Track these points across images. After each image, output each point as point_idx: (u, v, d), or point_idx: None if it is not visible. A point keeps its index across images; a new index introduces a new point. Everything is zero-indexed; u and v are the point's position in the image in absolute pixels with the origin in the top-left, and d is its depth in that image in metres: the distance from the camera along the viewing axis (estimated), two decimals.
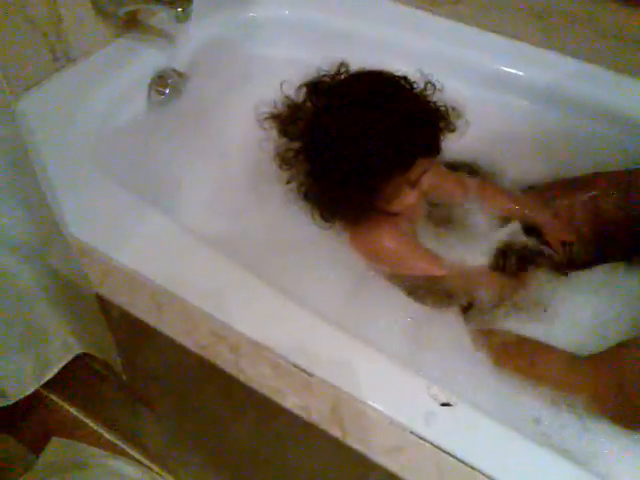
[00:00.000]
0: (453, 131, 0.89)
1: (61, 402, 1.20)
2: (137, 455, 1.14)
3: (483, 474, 0.63)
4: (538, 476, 0.63)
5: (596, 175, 1.00)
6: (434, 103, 0.88)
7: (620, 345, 0.74)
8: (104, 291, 0.77)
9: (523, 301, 0.90)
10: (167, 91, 1.06)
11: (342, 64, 0.91)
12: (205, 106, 1.09)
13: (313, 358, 0.71)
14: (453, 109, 0.89)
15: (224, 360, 0.72)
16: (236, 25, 1.13)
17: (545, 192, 1.04)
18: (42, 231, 0.74)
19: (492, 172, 1.08)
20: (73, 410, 1.18)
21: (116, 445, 1.15)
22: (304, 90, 0.92)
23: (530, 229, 1.00)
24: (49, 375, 0.89)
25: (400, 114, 0.82)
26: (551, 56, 1.08)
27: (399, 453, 0.65)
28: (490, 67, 1.10)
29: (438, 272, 0.91)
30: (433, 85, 0.88)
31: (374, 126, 0.82)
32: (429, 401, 0.67)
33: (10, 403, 0.85)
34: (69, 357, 0.90)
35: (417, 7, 1.14)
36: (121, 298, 0.77)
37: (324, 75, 0.91)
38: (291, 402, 0.69)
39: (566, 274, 0.94)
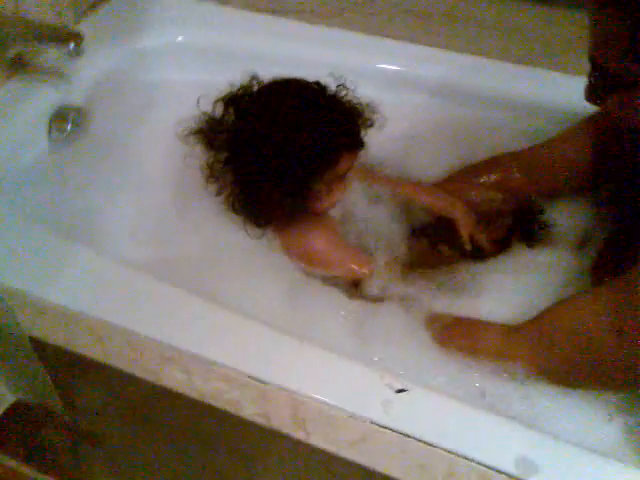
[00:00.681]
0: (372, 126, 0.93)
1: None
2: None
3: (444, 450, 0.66)
4: (494, 442, 0.67)
5: (497, 157, 1.06)
6: (349, 102, 0.92)
7: (547, 310, 0.79)
8: (38, 333, 0.75)
9: (448, 282, 0.95)
10: (68, 127, 1.03)
11: (253, 77, 0.94)
12: (112, 138, 1.07)
13: (265, 366, 0.72)
14: (367, 105, 0.93)
15: (176, 381, 0.71)
16: (130, 56, 1.11)
17: (452, 182, 1.10)
18: None
19: (402, 168, 1.13)
20: (11, 463, 1.11)
21: None
22: (220, 105, 0.93)
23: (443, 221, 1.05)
24: None
25: (320, 114, 0.87)
26: (440, 54, 1.14)
27: (364, 444, 0.67)
28: (387, 69, 1.15)
29: (367, 271, 0.95)
30: (345, 86, 0.92)
31: (297, 127, 0.85)
32: (384, 390, 0.70)
33: None
34: (3, 407, 0.87)
35: (309, 22, 1.18)
36: (58, 337, 0.75)
37: (238, 89, 0.93)
38: (250, 411, 0.69)
39: (482, 259, 1.00)
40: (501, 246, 1.02)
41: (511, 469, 0.64)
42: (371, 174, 1.07)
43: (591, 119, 0.96)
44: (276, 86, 0.91)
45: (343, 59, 1.14)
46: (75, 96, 1.04)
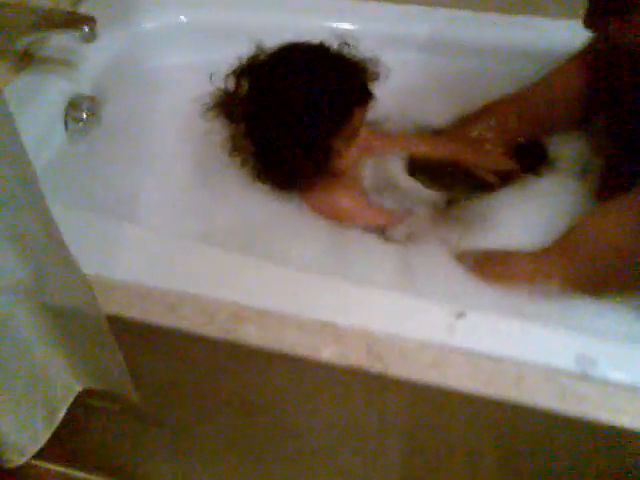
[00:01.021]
0: (377, 78, 0.98)
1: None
2: None
3: (510, 360, 0.72)
4: (553, 347, 0.74)
5: (494, 102, 1.13)
6: (353, 58, 0.97)
7: (571, 228, 0.87)
8: (114, 310, 0.78)
9: (466, 220, 1.02)
10: (84, 116, 1.06)
11: (258, 47, 0.97)
12: (127, 123, 1.10)
13: (332, 309, 0.77)
14: (370, 60, 0.98)
15: (251, 337, 0.76)
16: (133, 39, 1.14)
17: (452, 130, 1.17)
18: (38, 266, 0.73)
19: (402, 122, 1.19)
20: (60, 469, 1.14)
21: None
22: (232, 78, 0.97)
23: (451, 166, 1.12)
24: (58, 420, 0.86)
25: (329, 72, 0.92)
26: (426, 10, 1.20)
27: (437, 367, 0.73)
28: (376, 30, 1.20)
29: (387, 221, 1.01)
30: (347, 44, 0.97)
31: (310, 87, 0.91)
32: (445, 317, 0.76)
33: (27, 460, 0.83)
34: (71, 397, 0.89)
35: None
36: (132, 311, 0.78)
37: (247, 59, 0.97)
38: (329, 353, 0.75)
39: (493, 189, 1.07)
40: (507, 176, 1.09)
41: (572, 367, 0.71)
42: (378, 138, 1.12)
43: (579, 55, 1.03)
44: (283, 51, 0.95)
45: (335, 24, 1.19)
46: (85, 85, 1.07)
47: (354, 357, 0.74)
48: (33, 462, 1.11)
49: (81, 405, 0.89)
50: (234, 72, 0.97)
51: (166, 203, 1.00)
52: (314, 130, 0.91)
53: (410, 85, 1.19)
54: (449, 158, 1.11)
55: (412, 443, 0.82)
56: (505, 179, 1.08)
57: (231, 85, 0.97)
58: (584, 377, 0.70)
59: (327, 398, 0.80)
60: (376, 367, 0.73)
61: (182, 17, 1.18)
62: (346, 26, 1.20)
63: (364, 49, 1.00)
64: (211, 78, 0.98)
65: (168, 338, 0.80)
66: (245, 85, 0.96)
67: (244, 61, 0.97)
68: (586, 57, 1.02)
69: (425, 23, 1.20)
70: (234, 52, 0.97)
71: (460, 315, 0.76)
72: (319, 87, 0.91)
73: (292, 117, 0.91)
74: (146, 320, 0.78)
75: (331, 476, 0.93)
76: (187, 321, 0.77)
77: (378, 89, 1.09)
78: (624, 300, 0.84)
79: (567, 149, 1.09)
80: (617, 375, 0.70)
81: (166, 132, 1.09)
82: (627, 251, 0.81)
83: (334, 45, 0.97)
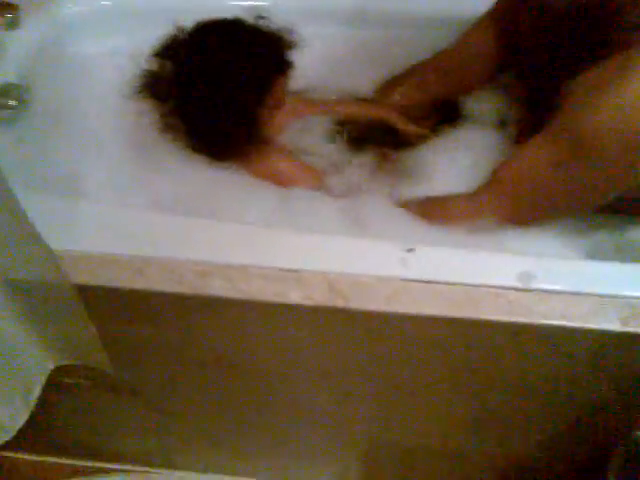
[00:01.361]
0: (294, 47, 1.02)
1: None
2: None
3: (461, 284, 0.80)
4: (496, 269, 0.82)
5: (413, 67, 1.21)
6: (269, 29, 1.01)
7: (497, 168, 0.96)
8: (81, 279, 0.79)
9: (400, 174, 1.09)
10: (13, 104, 1.05)
11: (178, 27, 1.00)
12: (59, 108, 1.09)
13: (291, 258, 0.82)
14: (285, 29, 1.02)
15: (221, 289, 0.79)
16: (58, 25, 1.14)
17: (376, 95, 1.24)
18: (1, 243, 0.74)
19: (328, 91, 1.25)
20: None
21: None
22: (156, 59, 0.99)
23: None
24: (34, 398, 0.87)
25: (247, 44, 0.97)
26: None
27: (396, 297, 0.79)
28: (294, 5, 1.25)
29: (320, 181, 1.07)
30: (262, 17, 1.01)
31: (230, 60, 0.95)
32: (397, 252, 0.82)
33: (11, 437, 0.83)
34: (45, 375, 0.89)
35: None
36: (100, 278, 0.80)
37: (167, 39, 0.99)
38: (294, 297, 0.79)
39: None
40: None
41: (516, 283, 0.79)
42: (303, 104, 1.18)
43: (488, 15, 1.12)
44: (200, 29, 0.99)
45: (254, 2, 1.23)
46: (11, 72, 1.06)
47: (318, 297, 0.79)
48: (6, 454, 1.11)
49: (53, 384, 0.90)
50: (156, 53, 1.00)
51: (107, 181, 1.02)
52: (239, 101, 0.96)
53: (334, 56, 1.26)
54: (372, 118, 1.17)
55: (380, 373, 0.88)
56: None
57: (155, 66, 1.00)
58: (527, 290, 0.79)
59: (297, 341, 0.85)
60: (339, 303, 0.79)
61: (105, 1, 1.19)
62: (265, 3, 1.24)
63: (283, 22, 1.04)
64: (136, 61, 1.00)
65: (138, 302, 0.82)
66: (168, 65, 0.99)
67: (165, 42, 1.00)
68: (494, 15, 1.12)
69: None
70: (157, 33, 1.00)
71: (410, 250, 0.83)
72: (239, 59, 0.95)
73: (216, 90, 0.95)
74: (115, 285, 0.80)
75: (310, 419, 0.98)
76: (156, 282, 0.80)
77: (302, 61, 1.17)
78: (551, 226, 0.94)
79: (486, 103, 1.17)
80: (554, 285, 0.79)
81: (98, 113, 1.10)
82: (545, 183, 0.89)
83: (249, 19, 1.01)
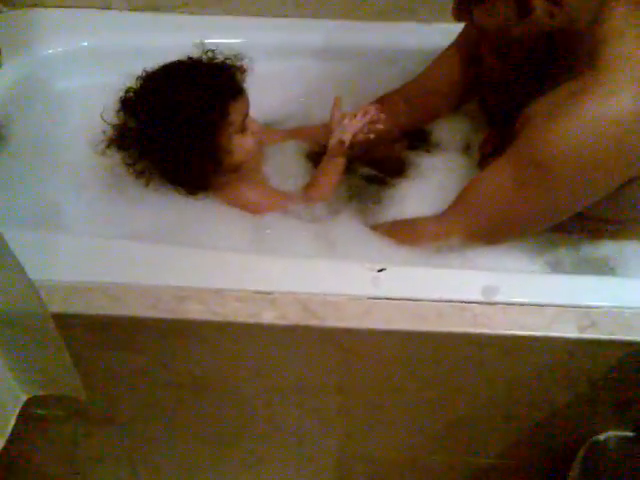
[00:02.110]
0: (244, 71, 1.05)
1: None
2: None
3: (430, 300, 0.83)
4: (462, 285, 0.86)
5: (383, 98, 1.26)
6: (215, 59, 1.05)
7: (464, 189, 1.00)
8: (57, 308, 0.81)
9: (373, 198, 1.14)
10: None
11: (138, 77, 1.04)
12: (37, 143, 1.13)
13: (265, 280, 0.85)
14: (234, 56, 1.06)
15: (197, 312, 0.82)
16: (38, 65, 1.19)
17: None
18: None
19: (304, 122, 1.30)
20: None
21: None
22: (121, 112, 1.04)
23: None
24: (8, 431, 0.87)
25: (196, 78, 1.01)
26: (313, 22, 1.32)
27: (368, 315, 0.82)
28: (270, 43, 1.31)
29: (292, 204, 1.09)
30: (211, 50, 1.06)
31: (181, 98, 0.98)
32: (369, 273, 0.86)
33: None
34: (18, 407, 0.89)
35: (192, 13, 1.31)
36: (76, 307, 0.82)
37: (127, 91, 1.04)
38: (268, 317, 0.82)
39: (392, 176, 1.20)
40: (402, 166, 1.22)
41: (480, 297, 0.83)
42: (274, 132, 1.23)
43: (453, 46, 1.18)
44: (152, 77, 1.04)
45: (229, 41, 1.28)
46: None
47: (292, 316, 0.82)
48: None
49: (25, 416, 0.91)
50: (121, 103, 1.04)
51: (86, 214, 1.05)
52: (197, 134, 0.99)
53: (308, 89, 1.31)
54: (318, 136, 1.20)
55: (353, 387, 0.90)
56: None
57: (119, 118, 1.05)
58: (491, 303, 0.82)
59: (272, 360, 0.87)
60: (312, 322, 0.82)
61: (84, 42, 1.24)
62: (239, 40, 1.29)
63: (264, 65, 1.10)
64: (101, 116, 1.05)
65: (115, 328, 0.84)
66: (128, 116, 1.03)
67: (122, 95, 1.04)
68: (458, 47, 1.17)
69: (315, 33, 1.31)
70: (133, 70, 1.04)
71: (381, 270, 0.86)
72: (189, 95, 0.98)
73: (174, 131, 0.98)
74: (91, 312, 0.82)
75: (285, 436, 1.00)
76: (132, 308, 0.82)
77: (275, 93, 1.21)
78: (515, 243, 0.98)
79: (452, 129, 1.23)
80: (516, 298, 0.83)
81: (77, 148, 1.12)
82: (508, 202, 0.93)
83: (198, 55, 1.05)
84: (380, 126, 1.13)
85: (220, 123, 1.00)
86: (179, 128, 0.98)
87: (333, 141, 1.10)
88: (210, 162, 1.02)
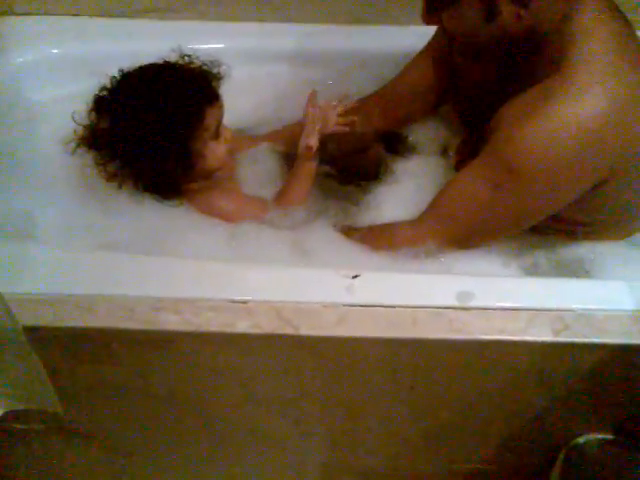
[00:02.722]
0: (221, 78, 1.05)
1: None
2: None
3: (404, 306, 0.83)
4: (436, 290, 0.86)
5: (359, 101, 1.25)
6: (192, 65, 1.05)
7: (438, 194, 1.00)
8: (29, 321, 0.80)
9: (350, 204, 1.13)
10: None
11: (112, 77, 1.04)
12: (9, 153, 1.11)
13: (240, 289, 0.85)
14: (211, 62, 1.05)
15: (171, 323, 0.81)
16: (7, 74, 1.17)
17: None
18: None
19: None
20: None
21: None
22: (93, 112, 1.03)
23: None
24: None
25: (172, 83, 1.00)
26: (289, 27, 1.31)
27: (343, 322, 0.82)
28: (244, 48, 1.30)
29: (266, 211, 1.08)
30: (187, 55, 1.05)
31: (156, 102, 0.98)
32: (343, 280, 0.85)
33: None
34: None
35: (163, 19, 1.30)
36: (48, 319, 0.81)
37: (100, 91, 1.03)
38: (242, 326, 0.81)
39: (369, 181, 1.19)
40: (378, 170, 1.22)
41: (455, 302, 0.83)
42: (247, 139, 1.22)
43: (425, 50, 1.18)
44: (128, 77, 1.03)
45: (201, 46, 1.27)
46: None
47: (266, 325, 0.81)
48: None
49: (8, 431, 0.90)
50: (92, 108, 1.03)
51: (59, 224, 1.03)
52: (171, 137, 0.98)
53: (281, 94, 1.30)
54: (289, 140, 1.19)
55: (331, 395, 0.89)
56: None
57: (91, 119, 1.03)
58: (466, 309, 0.82)
59: (248, 370, 0.87)
60: (287, 330, 0.81)
61: (54, 50, 1.23)
62: (216, 46, 1.28)
63: (239, 70, 1.09)
64: (73, 118, 1.03)
65: (89, 340, 0.83)
66: (101, 116, 1.02)
67: (95, 95, 1.03)
68: (430, 51, 1.17)
69: (288, 38, 1.30)
70: (105, 79, 1.03)
71: (355, 276, 0.86)
72: (165, 98, 0.98)
73: (147, 134, 0.97)
74: (64, 325, 0.81)
75: (265, 446, 0.99)
76: (106, 320, 0.81)
77: (250, 98, 1.20)
78: (489, 248, 0.98)
79: (428, 133, 1.23)
80: (491, 302, 0.83)
81: (49, 158, 1.11)
82: (483, 205, 0.93)
83: (175, 58, 1.04)
84: (354, 118, 1.13)
85: (195, 127, 1.00)
86: (153, 130, 0.97)
87: (302, 146, 1.09)
88: (182, 166, 1.01)
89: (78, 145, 1.04)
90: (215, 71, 1.05)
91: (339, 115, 1.13)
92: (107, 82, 1.03)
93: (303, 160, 1.10)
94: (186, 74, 1.03)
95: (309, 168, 1.10)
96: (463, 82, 1.11)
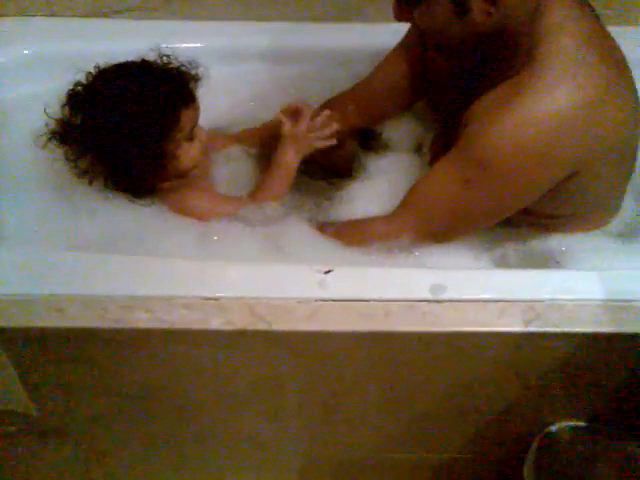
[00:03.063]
0: (198, 79, 1.05)
1: None
2: None
3: (377, 299, 0.83)
4: (409, 283, 0.86)
5: (332, 100, 1.26)
6: (170, 65, 1.04)
7: (411, 190, 1.00)
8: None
9: (323, 199, 1.13)
10: None
11: (88, 73, 1.03)
12: None
13: (212, 286, 0.85)
14: (189, 63, 1.05)
15: (143, 321, 0.81)
16: None
17: None
18: None
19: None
20: None
21: None
22: (66, 107, 1.02)
23: None
24: None
25: (149, 82, 0.99)
26: (262, 25, 1.31)
27: (315, 316, 0.82)
28: (219, 47, 1.29)
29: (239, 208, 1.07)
30: (167, 55, 1.05)
31: (132, 100, 0.97)
32: (316, 275, 0.86)
33: None
34: None
35: (138, 19, 1.29)
36: (17, 320, 0.80)
37: (75, 86, 1.02)
38: (215, 323, 0.81)
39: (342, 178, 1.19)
40: (352, 167, 1.22)
41: (428, 295, 0.83)
42: (221, 138, 1.22)
43: (398, 47, 1.18)
44: (105, 73, 1.02)
45: (175, 45, 1.26)
46: None
47: (239, 321, 0.81)
48: None
49: None
50: (66, 102, 1.02)
51: (28, 226, 1.02)
52: (145, 137, 0.97)
53: (258, 92, 1.31)
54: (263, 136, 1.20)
55: (306, 390, 0.89)
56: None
57: (64, 113, 1.02)
58: (439, 301, 0.82)
59: (222, 366, 0.86)
60: (260, 326, 0.81)
61: (25, 50, 1.22)
62: (191, 45, 1.27)
63: (215, 69, 1.08)
64: (45, 111, 1.02)
65: (60, 341, 0.83)
66: (75, 111, 1.01)
67: (70, 90, 1.02)
68: (404, 48, 1.18)
69: (263, 36, 1.30)
70: (75, 79, 1.02)
71: (328, 272, 0.86)
72: (140, 99, 0.97)
73: (120, 131, 0.97)
74: (34, 326, 0.80)
75: (244, 442, 0.99)
76: (76, 319, 0.81)
77: (228, 98, 1.20)
78: (462, 241, 0.99)
79: (402, 129, 1.23)
80: (463, 295, 0.83)
81: (18, 158, 1.10)
82: (455, 199, 0.94)
83: (154, 58, 1.04)
84: (335, 127, 1.12)
85: (169, 128, 0.99)
86: (126, 128, 0.96)
87: (289, 152, 1.08)
88: (154, 166, 1.01)
89: (49, 139, 1.03)
90: (193, 72, 1.04)
91: (322, 127, 1.11)
92: (82, 78, 1.02)
93: (286, 162, 1.08)
94: (164, 74, 1.02)
95: (290, 169, 1.08)
96: (436, 78, 1.11)
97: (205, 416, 0.94)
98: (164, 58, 1.04)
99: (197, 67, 1.05)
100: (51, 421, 0.94)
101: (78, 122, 1.01)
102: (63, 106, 1.02)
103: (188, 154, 1.03)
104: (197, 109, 1.04)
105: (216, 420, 0.95)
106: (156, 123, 0.98)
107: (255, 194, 1.09)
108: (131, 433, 0.97)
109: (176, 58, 1.04)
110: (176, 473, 1.05)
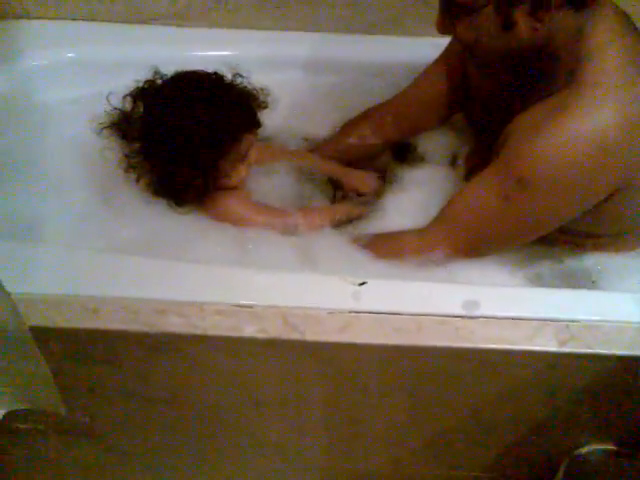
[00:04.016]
0: (266, 107, 1.07)
1: None
2: None
3: (410, 314, 0.83)
4: (442, 298, 0.86)
5: (369, 111, 1.26)
6: (244, 87, 1.06)
7: (448, 203, 1.00)
8: (36, 322, 0.81)
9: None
10: None
11: (156, 72, 1.05)
12: (21, 155, 1.12)
13: (246, 294, 0.85)
14: (261, 90, 1.07)
15: (176, 325, 0.82)
16: (22, 77, 1.19)
17: (336, 140, 1.29)
18: None
19: (294, 137, 1.30)
20: None
21: None
22: (129, 100, 1.03)
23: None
24: None
25: (219, 100, 1.00)
26: (302, 35, 1.32)
27: (348, 328, 0.82)
28: (259, 56, 1.30)
29: (286, 220, 1.08)
30: (240, 74, 1.06)
31: (200, 113, 0.97)
32: (350, 287, 0.86)
33: None
34: None
35: (178, 26, 1.31)
36: (54, 321, 0.82)
37: (144, 83, 1.04)
38: (249, 331, 0.82)
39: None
40: (384, 179, 1.22)
41: (461, 311, 0.83)
42: (270, 152, 1.22)
43: (440, 59, 1.18)
44: (178, 78, 1.03)
45: (216, 53, 1.28)
46: None
47: (272, 330, 0.82)
48: None
49: (7, 431, 0.90)
50: (131, 94, 1.03)
51: (68, 226, 1.04)
52: (203, 152, 0.98)
53: (296, 102, 1.31)
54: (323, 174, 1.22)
55: (334, 400, 0.90)
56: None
57: (127, 106, 1.04)
58: (472, 317, 0.82)
59: (253, 374, 0.87)
60: (293, 336, 0.81)
61: (70, 54, 1.24)
62: (230, 53, 1.28)
63: (253, 78, 1.08)
64: (108, 98, 1.04)
65: (94, 342, 0.84)
66: (141, 107, 1.03)
67: (142, 84, 1.04)
68: (445, 61, 1.17)
69: (301, 45, 1.31)
70: (120, 84, 1.05)
71: (362, 284, 0.86)
72: (208, 113, 0.97)
73: (182, 140, 0.97)
74: (70, 326, 0.82)
75: (268, 450, 0.99)
76: (111, 321, 0.82)
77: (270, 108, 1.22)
78: (496, 257, 0.98)
79: (438, 142, 1.23)
80: (497, 312, 0.83)
81: (61, 160, 1.13)
82: (492, 215, 0.93)
83: (228, 75, 1.05)
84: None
85: (230, 149, 1.00)
86: (190, 137, 0.97)
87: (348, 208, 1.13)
88: (205, 181, 1.01)
89: (108, 127, 1.04)
90: (263, 99, 1.06)
91: None
92: (151, 76, 1.03)
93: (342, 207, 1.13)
94: (239, 95, 1.03)
95: (340, 213, 1.12)
96: (476, 93, 1.11)
97: (230, 423, 0.95)
98: (238, 77, 1.05)
99: (267, 95, 1.07)
100: (81, 421, 0.95)
101: (140, 117, 1.02)
102: (129, 95, 1.03)
103: (238, 174, 1.04)
104: (257, 135, 1.05)
105: (240, 427, 0.96)
106: (219, 140, 0.98)
107: (309, 212, 1.09)
108: (156, 436, 0.98)
109: (249, 82, 1.06)
110: (196, 477, 1.06)
